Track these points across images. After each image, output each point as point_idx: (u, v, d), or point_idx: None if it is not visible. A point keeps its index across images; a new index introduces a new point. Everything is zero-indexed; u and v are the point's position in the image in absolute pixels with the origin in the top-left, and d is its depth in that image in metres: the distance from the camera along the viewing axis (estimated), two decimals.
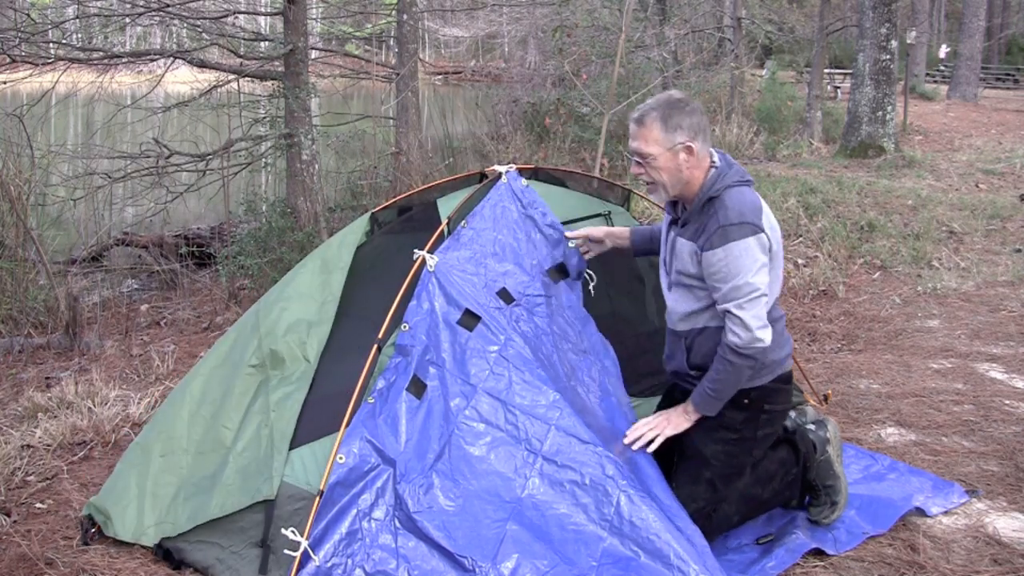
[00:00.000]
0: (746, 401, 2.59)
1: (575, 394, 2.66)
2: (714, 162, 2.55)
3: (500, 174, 2.97)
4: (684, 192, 2.56)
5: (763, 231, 2.44)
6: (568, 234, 2.97)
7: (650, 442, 2.55)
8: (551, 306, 2.81)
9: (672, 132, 2.49)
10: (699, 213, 2.52)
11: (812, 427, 2.84)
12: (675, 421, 2.58)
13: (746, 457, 2.64)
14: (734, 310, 2.43)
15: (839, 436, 2.86)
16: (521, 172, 3.01)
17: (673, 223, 2.64)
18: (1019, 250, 6.76)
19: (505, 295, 2.75)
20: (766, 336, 2.45)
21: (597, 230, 3.00)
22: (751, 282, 2.41)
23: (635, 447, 2.54)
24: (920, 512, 2.85)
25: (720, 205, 2.46)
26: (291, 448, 2.52)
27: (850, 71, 13.77)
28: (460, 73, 24.38)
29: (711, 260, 2.43)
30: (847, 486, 2.81)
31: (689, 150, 2.49)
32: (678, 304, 2.63)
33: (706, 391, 2.52)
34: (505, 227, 2.87)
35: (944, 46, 24.13)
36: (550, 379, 2.58)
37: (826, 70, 18.13)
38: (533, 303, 2.77)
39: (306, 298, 2.89)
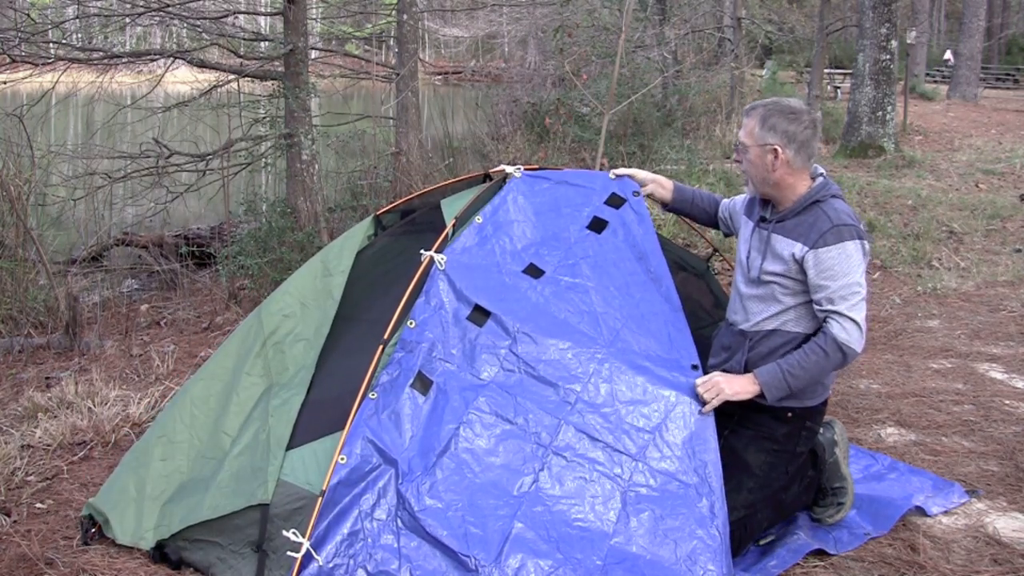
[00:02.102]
0: (789, 415, 2.62)
1: (624, 346, 2.63)
2: (820, 174, 2.64)
3: (508, 174, 2.96)
4: (775, 194, 2.64)
5: (863, 240, 2.52)
6: (614, 172, 2.99)
7: (705, 404, 2.52)
8: (594, 263, 2.81)
9: (766, 131, 2.59)
10: (802, 215, 2.58)
11: (820, 430, 2.83)
12: (736, 385, 2.53)
13: (783, 471, 2.66)
14: (847, 311, 2.47)
15: (846, 438, 2.87)
16: (528, 172, 3.01)
17: (762, 221, 2.69)
18: (1019, 250, 6.76)
19: (533, 270, 2.76)
20: (861, 347, 2.51)
21: (643, 173, 3.04)
22: (861, 283, 2.50)
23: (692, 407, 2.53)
24: (920, 512, 2.85)
25: (829, 208, 2.55)
26: (291, 449, 2.51)
27: (850, 71, 13.77)
28: (460, 73, 24.37)
29: (824, 257, 2.49)
30: (853, 487, 2.81)
31: (775, 153, 2.57)
32: (755, 304, 2.66)
33: (784, 371, 2.52)
34: (526, 210, 2.87)
35: (949, 51, 24.12)
36: (574, 359, 2.58)
37: (826, 70, 18.14)
38: (568, 270, 2.77)
39: (307, 302, 2.89)
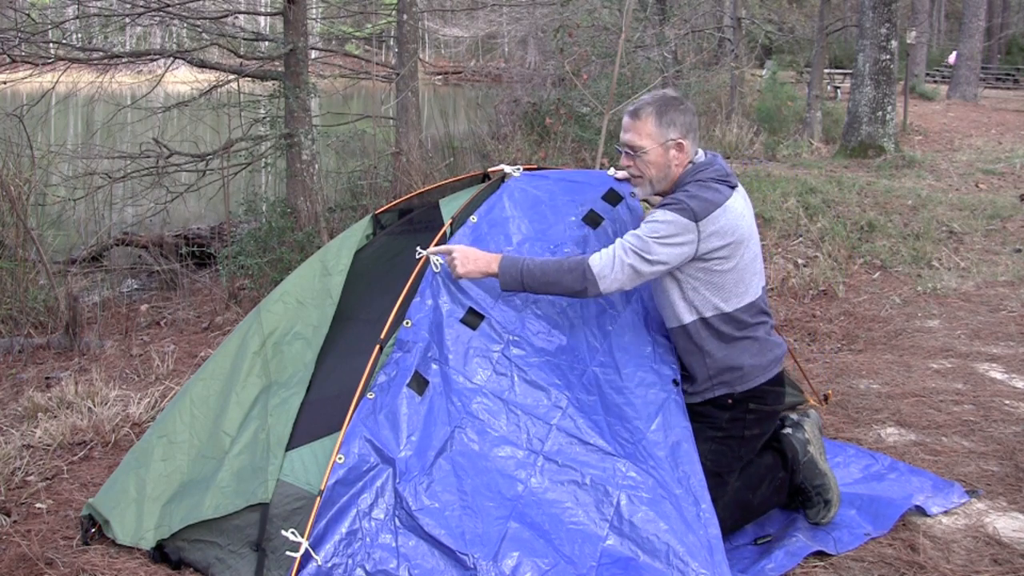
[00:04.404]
0: (729, 401, 2.60)
1: (614, 350, 2.64)
2: (692, 160, 2.60)
3: (507, 174, 2.96)
4: (668, 188, 2.63)
5: (696, 223, 2.44)
6: (611, 172, 2.99)
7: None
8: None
9: (666, 128, 2.55)
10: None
11: (789, 431, 2.82)
12: (471, 264, 2.53)
13: (734, 457, 2.64)
14: (619, 246, 2.46)
15: (818, 433, 2.84)
16: (527, 172, 3.01)
17: None
18: (1019, 250, 6.76)
19: None
20: (605, 287, 2.45)
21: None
22: (651, 244, 2.44)
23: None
24: (920, 512, 2.85)
25: (686, 188, 2.53)
26: (290, 449, 2.52)
27: (850, 71, 13.78)
28: (460, 73, 24.40)
29: (648, 216, 2.52)
30: (836, 481, 2.79)
31: (680, 147, 2.56)
32: (662, 311, 2.67)
33: (522, 266, 2.50)
34: (522, 206, 2.86)
35: (953, 53, 24.13)
36: (566, 363, 2.61)
37: (826, 70, 18.14)
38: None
39: (306, 302, 2.89)
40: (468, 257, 2.54)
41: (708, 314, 2.56)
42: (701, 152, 2.64)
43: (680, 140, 2.56)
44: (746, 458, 2.68)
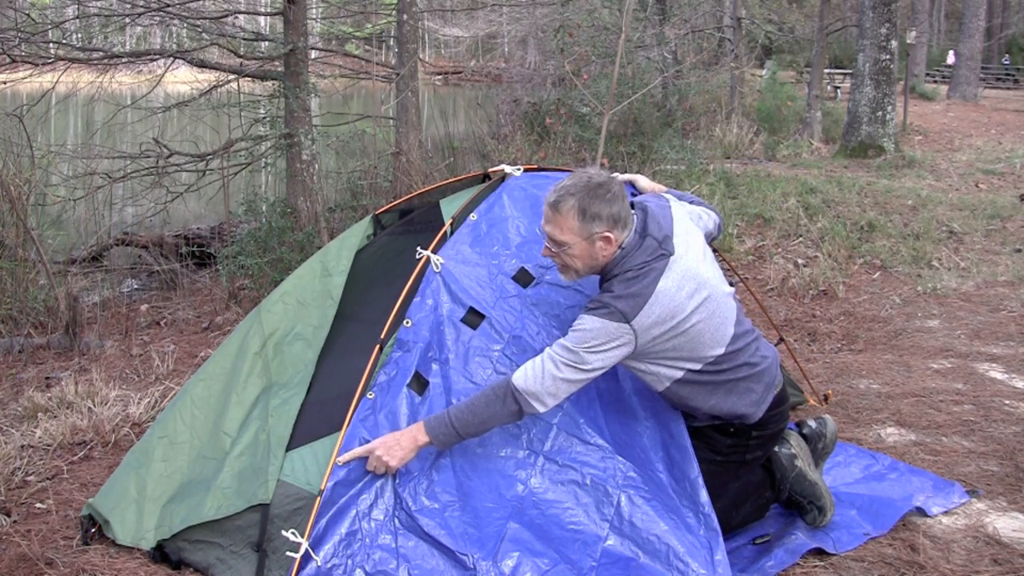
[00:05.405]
0: (731, 429, 2.56)
1: None
2: (621, 244, 2.40)
3: (507, 174, 2.96)
4: (599, 272, 2.47)
5: (628, 323, 2.29)
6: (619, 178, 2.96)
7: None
8: None
9: (590, 222, 2.35)
10: (601, 290, 2.45)
11: (776, 447, 2.76)
12: (398, 452, 2.34)
13: (731, 478, 2.61)
14: (547, 359, 2.31)
15: (803, 445, 2.79)
16: (526, 172, 3.01)
17: None
18: (1019, 250, 6.76)
19: (523, 276, 2.71)
20: (542, 405, 2.32)
21: (644, 181, 2.91)
22: (583, 355, 2.30)
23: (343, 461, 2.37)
24: (920, 512, 2.85)
25: (611, 286, 2.37)
26: (291, 449, 2.52)
27: (850, 71, 13.78)
28: (460, 73, 24.42)
29: (575, 323, 2.35)
30: (827, 488, 2.77)
31: (607, 239, 2.37)
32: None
33: (451, 418, 2.34)
34: (522, 206, 2.85)
35: (952, 52, 24.15)
36: None
37: (826, 70, 18.15)
38: (558, 273, 2.75)
39: (306, 302, 2.89)
40: (391, 445, 2.34)
41: (679, 375, 2.43)
42: (632, 227, 2.41)
43: (606, 233, 2.35)
44: (743, 478, 2.66)
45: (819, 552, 2.64)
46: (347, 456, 2.37)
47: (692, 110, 12.62)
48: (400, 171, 8.19)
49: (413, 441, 2.36)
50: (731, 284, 2.62)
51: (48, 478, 3.23)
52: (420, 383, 2.54)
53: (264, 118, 7.54)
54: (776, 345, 3.69)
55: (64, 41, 7.86)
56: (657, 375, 2.44)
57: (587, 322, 2.31)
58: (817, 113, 13.70)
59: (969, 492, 3.00)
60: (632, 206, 2.48)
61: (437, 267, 2.66)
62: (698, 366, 2.43)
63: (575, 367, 2.31)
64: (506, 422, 2.39)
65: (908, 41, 16.40)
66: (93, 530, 2.73)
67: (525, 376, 2.32)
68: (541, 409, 2.33)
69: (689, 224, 2.56)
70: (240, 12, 9.87)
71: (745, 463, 2.62)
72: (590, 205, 2.34)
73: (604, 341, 2.30)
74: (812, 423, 2.86)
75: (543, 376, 2.31)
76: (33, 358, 4.89)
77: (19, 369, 4.69)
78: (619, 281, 2.35)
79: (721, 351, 2.43)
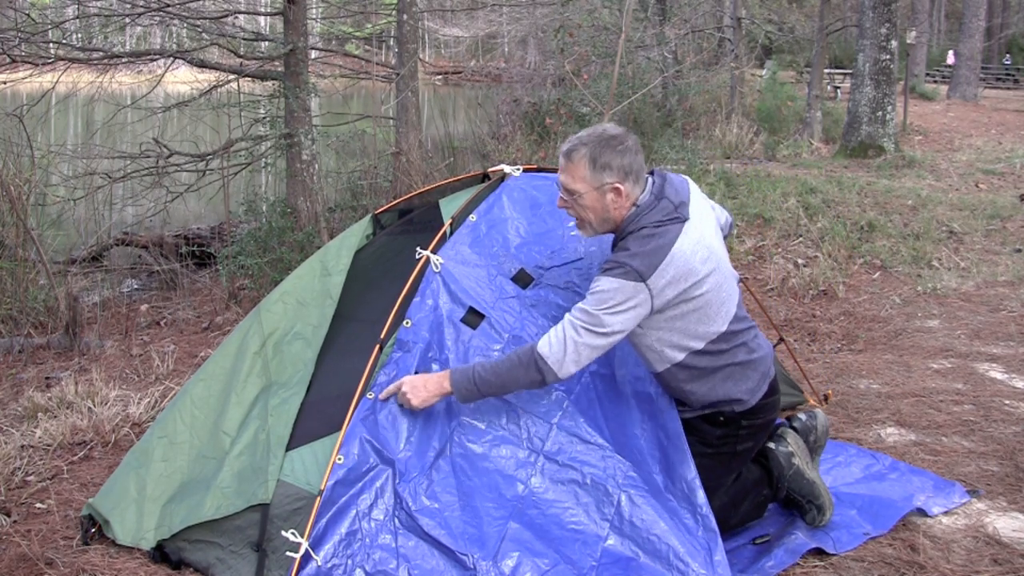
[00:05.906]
0: (721, 419, 2.55)
1: (611, 352, 2.57)
2: (636, 202, 2.44)
3: (507, 174, 2.96)
4: (612, 229, 2.49)
5: (644, 283, 2.31)
6: None
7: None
8: (585, 264, 2.76)
9: (600, 172, 2.39)
10: (615, 250, 2.46)
11: (772, 445, 2.77)
12: (423, 392, 2.42)
13: (725, 471, 2.60)
14: (567, 324, 2.35)
15: (801, 443, 2.79)
16: (526, 172, 3.00)
17: None
18: (1019, 250, 6.76)
19: (522, 277, 2.72)
20: (564, 372, 2.35)
21: None
22: (602, 317, 2.32)
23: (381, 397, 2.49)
24: (921, 512, 2.85)
25: (627, 244, 2.39)
26: (290, 449, 2.52)
27: (850, 71, 13.78)
28: (460, 73, 24.42)
29: (595, 281, 2.37)
30: (825, 486, 2.76)
31: (617, 191, 2.40)
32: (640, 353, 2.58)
33: (475, 374, 2.39)
34: (521, 207, 2.85)
35: (952, 52, 24.15)
36: None
37: (826, 70, 18.15)
38: (561, 274, 2.74)
39: (306, 302, 2.89)
40: (418, 386, 2.43)
41: (680, 358, 2.45)
42: (648, 187, 2.46)
43: (617, 184, 2.39)
44: (736, 470, 2.65)
45: (819, 552, 2.64)
46: (385, 392, 2.48)
47: (692, 110, 12.63)
48: (400, 171, 8.19)
49: (439, 386, 2.43)
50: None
51: (48, 478, 3.23)
52: None
53: (264, 118, 7.55)
54: (776, 345, 3.68)
55: (64, 41, 7.86)
56: (660, 354, 2.46)
57: (603, 283, 2.34)
58: (817, 113, 13.71)
59: (969, 492, 3.00)
60: (652, 173, 2.52)
61: (437, 267, 2.66)
62: (700, 344, 2.45)
63: (594, 331, 2.33)
64: (525, 388, 2.44)
65: (908, 41, 16.40)
66: (93, 530, 2.73)
67: (549, 343, 2.36)
68: (561, 375, 2.36)
69: (704, 202, 2.59)
70: (240, 12, 9.88)
71: (736, 454, 2.62)
72: (601, 154, 2.39)
73: (621, 301, 2.32)
74: (802, 416, 2.85)
75: (565, 342, 2.34)
76: (33, 358, 4.89)
77: (19, 369, 4.69)
78: (634, 239, 2.38)
79: (723, 328, 2.46)
